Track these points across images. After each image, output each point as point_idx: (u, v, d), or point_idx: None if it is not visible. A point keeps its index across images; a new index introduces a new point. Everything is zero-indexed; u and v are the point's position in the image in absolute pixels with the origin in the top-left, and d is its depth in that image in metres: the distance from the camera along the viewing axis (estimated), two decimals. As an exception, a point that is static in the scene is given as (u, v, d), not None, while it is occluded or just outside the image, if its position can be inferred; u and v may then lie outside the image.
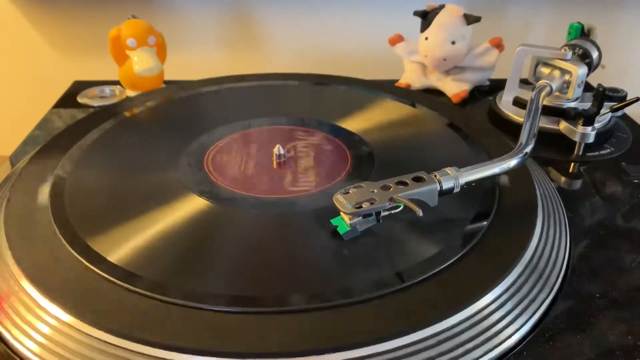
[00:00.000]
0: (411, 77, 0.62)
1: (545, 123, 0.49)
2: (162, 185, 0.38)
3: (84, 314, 0.28)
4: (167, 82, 0.59)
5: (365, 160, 0.42)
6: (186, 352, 0.26)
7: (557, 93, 0.50)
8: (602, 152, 0.48)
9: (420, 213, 0.30)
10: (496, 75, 0.61)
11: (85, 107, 0.58)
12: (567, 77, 0.49)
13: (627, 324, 0.31)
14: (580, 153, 0.48)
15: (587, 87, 0.52)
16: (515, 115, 0.52)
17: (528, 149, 0.37)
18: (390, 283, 0.30)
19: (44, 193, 0.37)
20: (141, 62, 0.56)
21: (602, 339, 0.30)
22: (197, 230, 0.34)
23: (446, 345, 0.27)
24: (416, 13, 0.58)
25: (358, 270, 0.31)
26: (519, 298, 0.30)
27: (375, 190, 0.32)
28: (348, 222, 0.32)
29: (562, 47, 0.52)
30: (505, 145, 0.43)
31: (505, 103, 0.53)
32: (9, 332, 0.29)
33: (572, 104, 0.50)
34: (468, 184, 0.34)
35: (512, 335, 0.29)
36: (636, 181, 0.44)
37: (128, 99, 0.56)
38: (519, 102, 0.51)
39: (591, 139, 0.47)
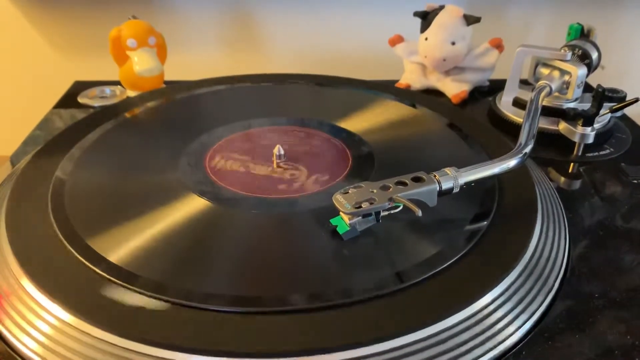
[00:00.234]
0: (411, 78, 0.62)
1: (544, 123, 0.49)
2: (162, 185, 0.38)
3: (84, 313, 0.28)
4: (167, 83, 0.60)
5: (365, 160, 0.42)
6: (186, 351, 0.26)
7: (556, 93, 0.50)
8: (601, 152, 0.48)
9: (419, 213, 0.31)
10: (496, 75, 0.61)
11: (86, 107, 0.58)
12: (566, 77, 0.49)
13: (626, 324, 0.31)
14: (580, 153, 0.48)
15: (587, 88, 0.52)
16: (515, 115, 0.52)
17: (527, 149, 0.37)
18: (390, 283, 0.30)
19: (44, 193, 0.37)
20: (141, 62, 0.56)
21: (601, 338, 0.30)
22: (197, 230, 0.34)
23: (446, 345, 0.28)
24: (416, 14, 0.59)
25: (358, 270, 0.31)
26: (519, 298, 0.31)
27: (375, 191, 0.32)
28: (347, 222, 0.32)
29: (561, 47, 0.52)
30: (504, 146, 0.43)
31: (505, 103, 0.54)
32: (10, 331, 0.29)
33: (572, 105, 0.50)
34: (467, 184, 0.34)
35: (512, 335, 0.29)
36: (635, 182, 0.44)
37: (128, 99, 0.56)
38: (518, 103, 0.51)
39: (591, 140, 0.47)
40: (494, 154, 0.40)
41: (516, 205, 0.37)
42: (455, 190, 0.34)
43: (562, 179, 0.45)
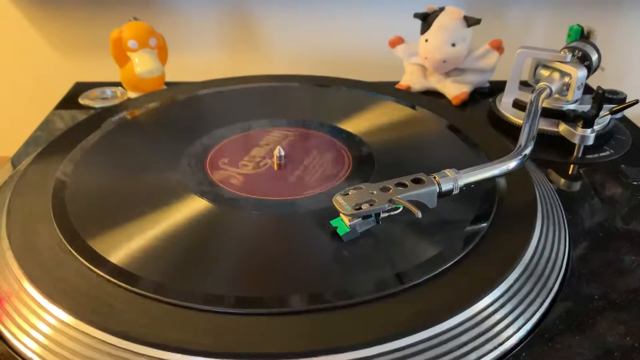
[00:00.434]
0: (411, 79, 0.62)
1: (544, 125, 0.49)
2: (163, 186, 0.38)
3: (84, 314, 0.28)
4: (168, 84, 0.60)
5: (365, 161, 0.42)
6: (187, 353, 0.26)
7: (556, 95, 0.50)
8: (601, 154, 0.48)
9: (419, 215, 0.31)
10: (496, 77, 0.61)
11: (87, 108, 0.58)
12: (566, 79, 0.49)
13: (626, 326, 0.31)
14: (580, 155, 0.48)
15: (587, 90, 0.52)
16: (515, 117, 0.52)
17: (527, 151, 0.37)
18: (389, 284, 0.30)
19: (45, 194, 0.37)
20: (142, 63, 0.56)
21: (601, 340, 0.30)
22: (198, 231, 0.34)
23: (446, 346, 0.28)
24: (416, 15, 0.59)
25: (358, 271, 0.31)
26: (519, 299, 0.31)
27: (375, 192, 0.32)
28: (347, 223, 0.33)
29: (561, 49, 0.52)
30: (505, 147, 0.43)
31: (505, 105, 0.54)
32: (10, 332, 0.29)
33: (572, 106, 0.50)
34: (467, 185, 0.34)
35: (512, 337, 0.29)
36: (635, 183, 0.44)
37: (129, 100, 0.56)
38: (518, 104, 0.51)
39: (590, 141, 0.47)
40: (494, 156, 0.40)
41: (516, 206, 0.37)
42: (455, 191, 0.34)
43: (562, 180, 0.45)
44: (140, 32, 0.56)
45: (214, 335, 0.27)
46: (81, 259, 0.31)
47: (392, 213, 0.33)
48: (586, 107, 0.48)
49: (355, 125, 0.47)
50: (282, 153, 0.42)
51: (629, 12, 0.73)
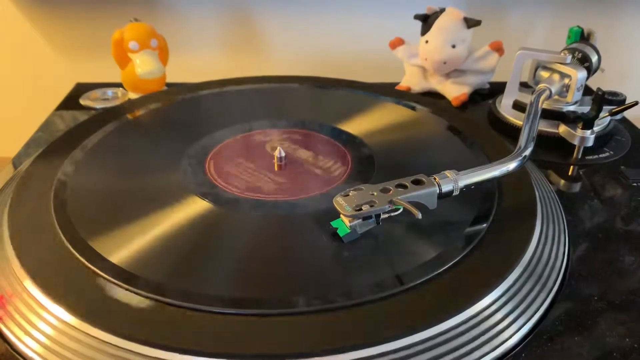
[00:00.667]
0: (411, 80, 0.62)
1: (544, 126, 0.49)
2: (163, 187, 0.39)
3: (85, 314, 0.28)
4: (169, 85, 0.60)
5: (366, 162, 0.42)
6: (187, 353, 0.26)
7: (556, 96, 0.50)
8: (601, 155, 0.49)
9: (419, 216, 0.31)
10: (496, 78, 0.61)
11: (88, 109, 0.58)
12: (566, 80, 0.49)
13: (625, 326, 0.31)
14: (580, 156, 0.48)
15: (587, 91, 0.52)
16: (515, 118, 0.52)
17: (527, 152, 0.37)
18: (389, 285, 0.30)
19: (46, 195, 0.37)
20: (143, 64, 0.56)
21: (600, 341, 0.30)
22: (198, 231, 0.34)
23: (445, 347, 0.28)
24: (417, 16, 0.59)
25: (358, 272, 0.31)
26: (518, 300, 0.31)
27: (375, 193, 0.33)
28: (348, 224, 0.33)
29: (561, 50, 0.52)
30: (505, 149, 0.43)
31: (505, 106, 0.54)
32: (12, 331, 0.29)
33: (572, 108, 0.50)
34: (467, 187, 0.34)
35: (511, 337, 0.29)
36: (635, 184, 0.45)
37: (130, 101, 0.56)
38: (518, 106, 0.51)
39: (590, 143, 0.47)
40: (494, 157, 0.40)
41: (516, 207, 0.37)
42: (455, 193, 0.34)
43: (562, 181, 0.46)
44: (141, 33, 0.56)
45: (214, 336, 0.27)
46: (82, 259, 0.31)
47: (392, 214, 0.33)
48: (586, 109, 0.49)
49: (356, 126, 0.47)
50: (283, 154, 0.42)
51: (628, 13, 0.73)
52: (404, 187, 0.33)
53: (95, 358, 0.27)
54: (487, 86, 0.62)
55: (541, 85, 0.47)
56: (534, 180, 0.40)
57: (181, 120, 0.49)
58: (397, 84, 0.63)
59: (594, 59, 0.52)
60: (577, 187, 0.45)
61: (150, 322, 0.28)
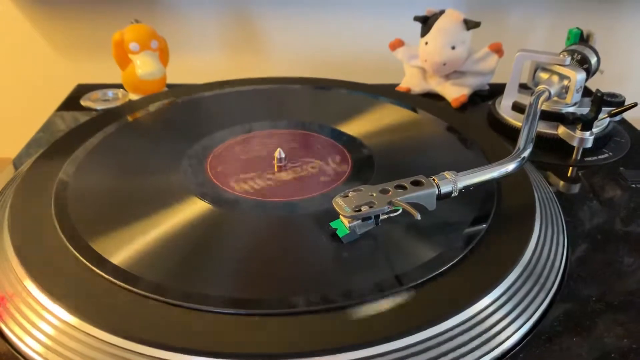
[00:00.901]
0: (411, 82, 0.62)
1: (544, 128, 0.50)
2: (163, 188, 0.39)
3: (86, 314, 0.28)
4: (169, 86, 0.60)
5: (365, 163, 0.42)
6: (188, 352, 0.26)
7: (555, 98, 0.50)
8: (600, 156, 0.49)
9: (418, 216, 0.31)
10: (496, 79, 0.62)
11: (88, 110, 0.59)
12: (565, 82, 0.49)
13: (624, 327, 0.31)
14: (579, 158, 0.48)
15: (586, 92, 0.52)
16: (515, 119, 0.52)
17: (526, 154, 0.38)
18: (389, 285, 0.30)
19: (47, 195, 0.37)
20: (144, 65, 0.56)
21: (598, 341, 0.30)
22: (198, 232, 0.35)
23: (444, 347, 0.28)
24: (416, 18, 0.59)
25: (357, 273, 0.31)
26: (517, 301, 0.31)
27: (374, 194, 0.33)
28: (347, 225, 0.33)
29: (561, 52, 0.53)
30: (504, 150, 0.43)
31: (504, 108, 0.54)
32: (12, 331, 0.29)
33: (571, 109, 0.50)
34: (466, 188, 0.34)
35: (510, 338, 0.29)
36: (634, 186, 0.45)
37: (131, 102, 0.57)
38: (518, 107, 0.51)
39: (589, 144, 0.47)
40: (493, 158, 0.40)
41: (515, 208, 0.37)
42: (454, 194, 0.34)
43: (561, 183, 0.46)
44: (141, 34, 0.56)
45: (214, 335, 0.27)
46: (83, 259, 0.31)
47: (391, 215, 0.34)
48: (585, 110, 0.49)
49: (355, 127, 0.48)
50: (283, 155, 0.42)
51: (628, 15, 0.73)
52: (403, 188, 0.33)
53: (95, 358, 0.27)
54: (487, 87, 0.63)
55: (540, 87, 0.47)
56: (533, 182, 0.40)
57: (181, 121, 0.49)
58: (397, 85, 0.63)
59: (593, 60, 0.52)
60: (576, 189, 0.45)
61: (150, 322, 0.28)
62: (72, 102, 0.60)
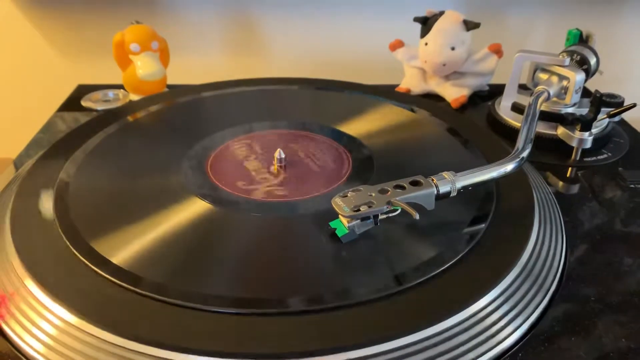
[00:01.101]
0: (411, 82, 0.62)
1: (543, 128, 0.50)
2: (164, 188, 0.39)
3: (87, 314, 0.28)
4: (170, 87, 0.60)
5: (365, 164, 0.42)
6: (188, 352, 0.26)
7: (555, 99, 0.50)
8: (599, 157, 0.49)
9: (417, 216, 0.31)
10: (495, 80, 0.62)
11: (89, 110, 0.59)
12: (564, 83, 0.49)
13: (622, 327, 0.31)
14: (578, 158, 0.48)
15: (585, 93, 0.53)
16: (514, 120, 0.52)
17: (525, 154, 0.38)
18: (388, 285, 0.30)
19: (48, 196, 0.37)
20: (144, 66, 0.56)
21: (597, 342, 0.30)
22: (199, 232, 0.35)
23: (443, 346, 0.28)
24: (416, 19, 0.59)
25: (356, 272, 0.32)
26: (515, 301, 0.31)
27: (373, 194, 0.33)
28: (346, 225, 0.33)
29: (560, 53, 0.53)
30: (503, 150, 0.43)
31: (504, 108, 0.54)
32: (14, 331, 0.29)
33: (570, 110, 0.50)
34: (465, 188, 0.34)
35: (508, 338, 0.30)
36: (633, 186, 0.45)
37: (131, 102, 0.57)
38: (517, 108, 0.51)
39: (588, 145, 0.48)
40: (492, 159, 0.40)
41: (514, 209, 0.37)
42: (453, 194, 0.34)
43: (560, 183, 0.46)
44: (142, 35, 0.56)
45: (215, 335, 0.27)
46: (84, 259, 0.32)
47: (390, 215, 0.34)
48: (584, 111, 0.49)
49: (355, 127, 0.48)
50: (283, 155, 0.42)
51: (627, 16, 0.73)
52: (402, 188, 0.33)
53: (96, 357, 0.27)
54: (486, 88, 0.63)
55: (539, 88, 0.47)
56: (532, 182, 0.40)
57: (182, 122, 0.49)
58: (396, 85, 0.63)
59: (593, 61, 0.52)
60: (575, 189, 0.45)
61: (151, 322, 0.28)
62: (72, 103, 0.60)
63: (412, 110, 0.51)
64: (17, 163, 0.48)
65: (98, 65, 0.72)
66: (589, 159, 0.48)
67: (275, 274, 0.32)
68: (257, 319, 0.28)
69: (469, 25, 0.57)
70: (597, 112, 0.47)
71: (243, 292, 0.30)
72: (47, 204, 0.37)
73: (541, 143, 0.48)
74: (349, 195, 0.33)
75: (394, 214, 0.34)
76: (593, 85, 0.55)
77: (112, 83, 0.63)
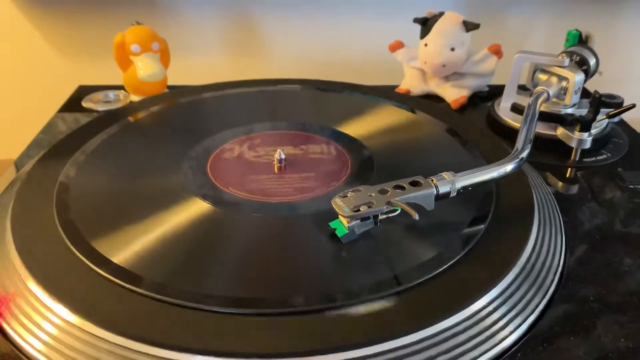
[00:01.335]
0: (411, 83, 0.62)
1: (542, 129, 0.50)
2: (165, 189, 0.39)
3: (88, 313, 0.28)
4: (170, 87, 0.60)
5: (365, 164, 0.43)
6: (189, 352, 0.27)
7: (554, 99, 0.50)
8: (598, 157, 0.49)
9: (416, 216, 0.31)
10: (495, 81, 0.62)
11: (90, 111, 0.59)
12: (564, 83, 0.50)
13: (622, 328, 0.31)
14: (577, 158, 0.48)
15: (585, 94, 0.53)
16: (514, 121, 0.52)
17: (524, 154, 0.38)
18: (387, 285, 0.30)
19: (49, 196, 0.37)
20: (145, 67, 0.57)
21: (596, 342, 0.30)
22: (199, 233, 0.35)
23: (442, 346, 0.28)
24: (416, 20, 0.59)
25: (356, 272, 0.32)
26: (515, 301, 0.31)
27: (373, 194, 0.33)
28: (346, 225, 0.33)
29: (559, 54, 0.53)
30: (503, 151, 0.43)
31: (503, 109, 0.54)
32: (15, 331, 0.29)
33: (569, 110, 0.50)
34: (464, 188, 0.35)
35: (507, 338, 0.30)
36: (632, 186, 0.45)
37: (132, 103, 0.57)
38: (516, 108, 0.51)
39: (588, 145, 0.48)
40: (492, 159, 0.40)
41: (513, 209, 0.37)
42: (452, 194, 0.34)
43: (560, 183, 0.46)
44: (142, 36, 0.56)
45: (215, 335, 0.27)
46: (85, 259, 0.32)
47: (390, 215, 0.34)
48: (583, 111, 0.49)
49: (355, 128, 0.48)
50: (283, 156, 0.42)
51: (627, 17, 0.73)
52: (402, 188, 0.33)
53: (98, 357, 0.27)
54: (486, 89, 0.63)
55: (539, 88, 0.47)
56: (532, 182, 0.40)
57: (183, 123, 0.49)
58: (396, 86, 0.63)
59: (592, 62, 0.52)
60: (574, 189, 0.45)
61: (151, 322, 0.28)
62: (73, 104, 0.60)
63: (412, 111, 0.51)
64: (18, 164, 0.48)
65: (99, 65, 0.72)
66: (589, 159, 0.49)
67: (275, 274, 0.32)
68: (257, 319, 0.28)
69: (469, 26, 0.57)
70: (597, 112, 0.47)
71: (243, 292, 0.30)
72: (48, 204, 0.37)
73: (541, 143, 0.48)
74: (348, 195, 0.33)
75: (393, 214, 0.34)
76: (592, 85, 0.55)
77: (112, 84, 0.63)
